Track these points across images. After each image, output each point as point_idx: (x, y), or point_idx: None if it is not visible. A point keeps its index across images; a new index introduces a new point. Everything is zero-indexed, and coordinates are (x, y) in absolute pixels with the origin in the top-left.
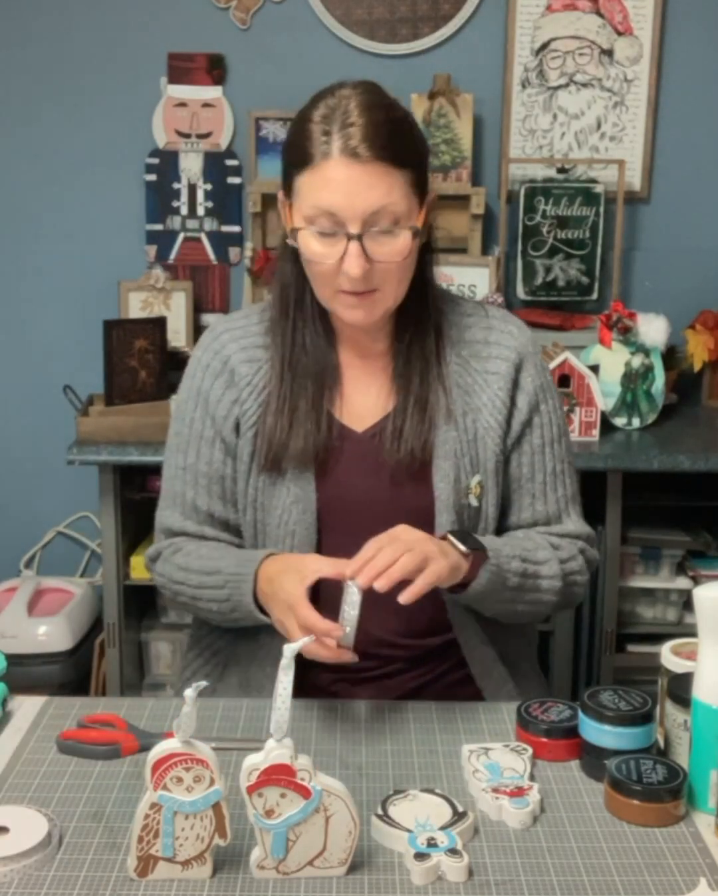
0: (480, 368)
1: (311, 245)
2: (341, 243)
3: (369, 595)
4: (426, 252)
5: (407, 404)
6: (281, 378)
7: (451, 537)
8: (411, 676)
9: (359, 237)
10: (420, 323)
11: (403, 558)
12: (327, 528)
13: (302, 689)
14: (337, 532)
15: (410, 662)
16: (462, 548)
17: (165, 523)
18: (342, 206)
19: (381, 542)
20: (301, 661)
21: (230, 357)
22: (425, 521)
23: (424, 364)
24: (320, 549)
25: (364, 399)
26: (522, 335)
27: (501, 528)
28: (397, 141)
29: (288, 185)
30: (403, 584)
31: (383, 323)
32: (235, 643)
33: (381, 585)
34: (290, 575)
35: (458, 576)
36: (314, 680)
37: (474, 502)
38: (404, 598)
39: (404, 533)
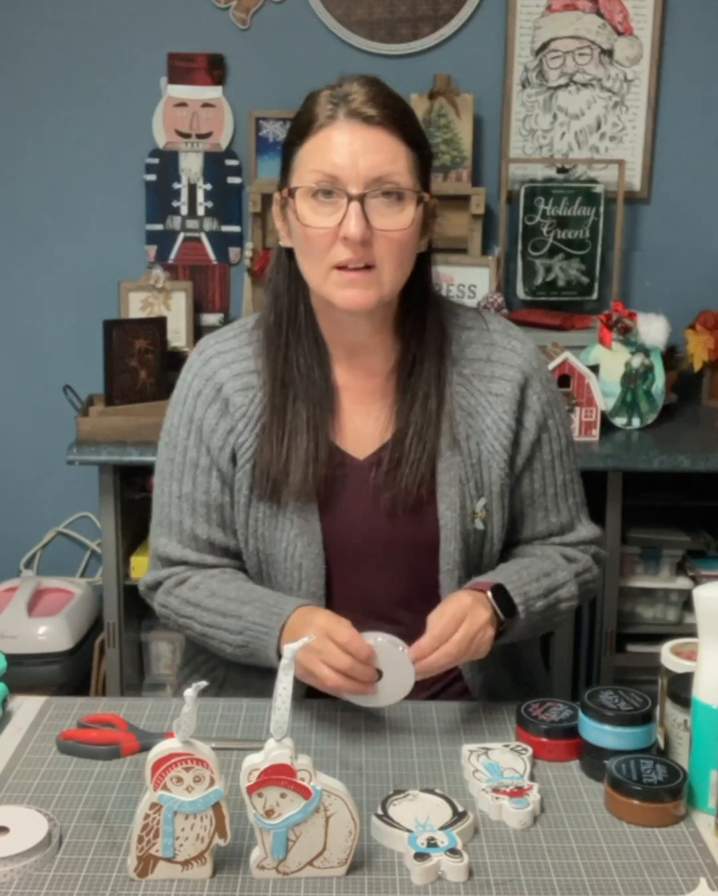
0: (483, 389)
1: (307, 210)
2: (340, 209)
3: (370, 618)
4: (427, 259)
5: (406, 435)
6: (273, 399)
7: (492, 602)
8: (412, 693)
9: (361, 199)
10: (421, 345)
11: (454, 657)
12: (334, 558)
13: (312, 689)
14: (344, 561)
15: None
16: (501, 616)
17: (163, 551)
18: (345, 166)
19: (448, 628)
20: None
21: (223, 385)
22: (430, 548)
23: (426, 391)
24: (329, 579)
25: (364, 424)
26: (525, 350)
27: (514, 542)
28: (402, 116)
29: (287, 167)
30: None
31: (378, 308)
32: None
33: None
34: (321, 618)
35: None
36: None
37: (479, 526)
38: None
39: (470, 621)
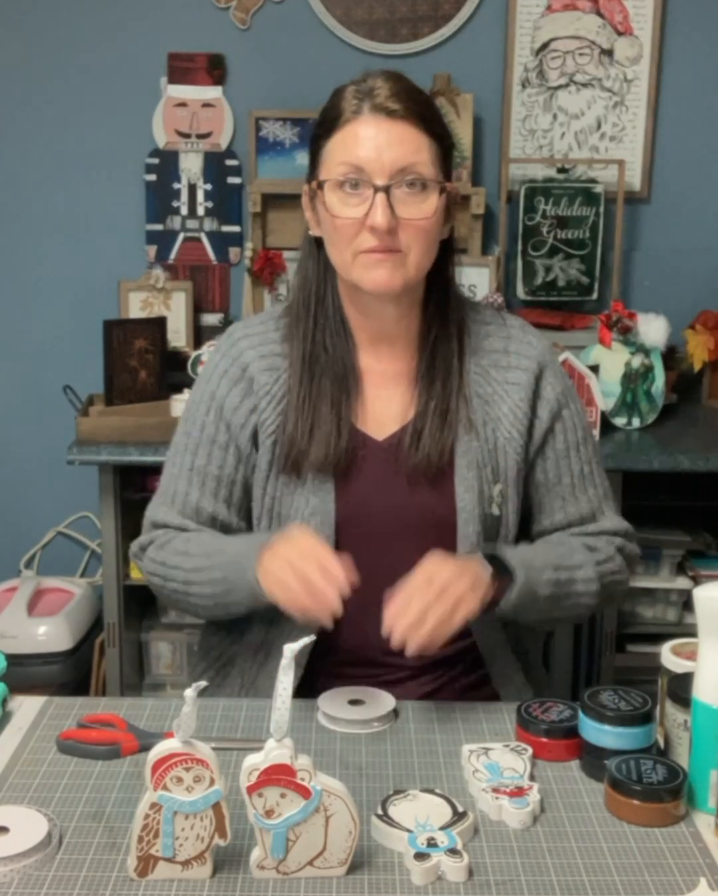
0: (500, 379)
1: (337, 203)
2: (367, 199)
3: (383, 601)
4: (448, 251)
5: (428, 410)
6: (300, 379)
7: (483, 560)
8: (422, 682)
9: (386, 189)
10: (443, 328)
11: (434, 610)
12: (346, 539)
13: (310, 690)
14: (357, 543)
15: (420, 669)
16: (492, 572)
17: (160, 518)
18: (371, 159)
19: (413, 588)
20: (309, 667)
21: (249, 365)
22: (446, 531)
23: (446, 372)
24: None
25: (385, 407)
26: (540, 344)
27: (534, 533)
28: (425, 109)
29: (315, 162)
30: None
31: (404, 291)
32: (242, 653)
33: (411, 650)
34: (304, 537)
35: (485, 601)
36: (323, 684)
37: (496, 511)
38: (412, 650)
39: (437, 573)
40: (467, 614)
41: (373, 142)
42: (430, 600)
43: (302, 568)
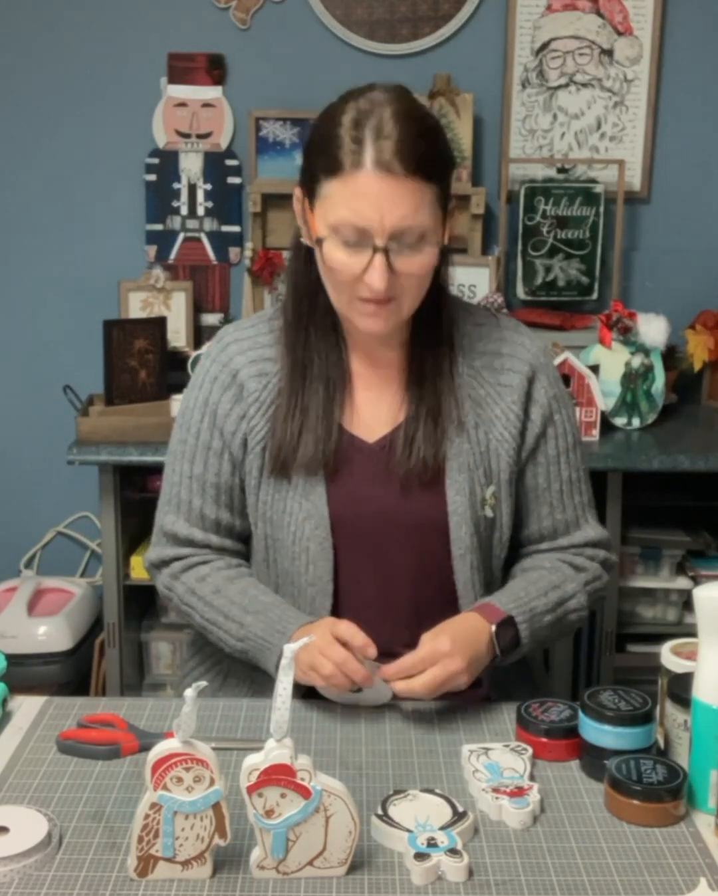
0: (493, 381)
1: (335, 254)
2: (366, 254)
3: (379, 605)
4: (441, 255)
5: (419, 413)
6: (290, 382)
7: (495, 639)
8: None
9: (385, 250)
10: (434, 331)
11: (419, 694)
12: (340, 542)
13: (310, 690)
14: (351, 546)
15: None
16: (498, 653)
17: (170, 528)
18: (372, 220)
19: (415, 668)
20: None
21: (239, 371)
22: (440, 534)
23: (436, 374)
24: (337, 566)
25: (376, 409)
26: (534, 346)
27: (519, 538)
28: (429, 155)
29: (311, 188)
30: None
31: (396, 330)
32: None
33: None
34: (325, 620)
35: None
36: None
37: (489, 513)
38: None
39: (442, 666)
40: (461, 686)
41: (374, 201)
42: (441, 679)
43: (321, 669)
